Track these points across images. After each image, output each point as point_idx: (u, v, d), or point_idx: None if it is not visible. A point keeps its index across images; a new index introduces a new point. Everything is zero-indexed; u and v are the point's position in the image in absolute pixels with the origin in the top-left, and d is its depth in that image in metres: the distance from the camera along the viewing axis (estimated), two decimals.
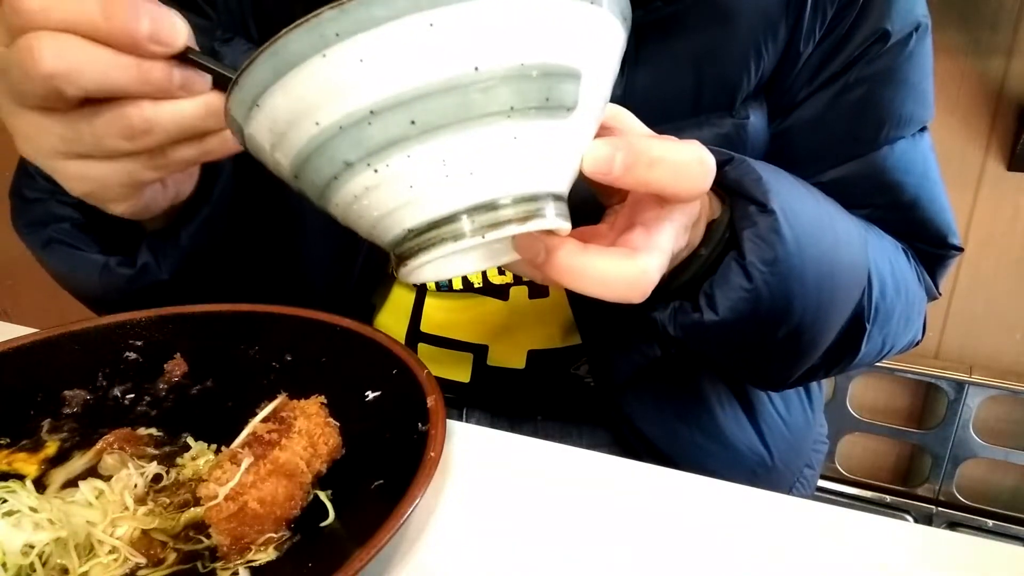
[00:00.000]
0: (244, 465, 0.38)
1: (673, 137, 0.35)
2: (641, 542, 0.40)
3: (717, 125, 0.56)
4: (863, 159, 0.59)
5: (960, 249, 0.64)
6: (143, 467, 0.43)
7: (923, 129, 0.62)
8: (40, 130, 0.37)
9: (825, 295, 0.49)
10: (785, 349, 0.51)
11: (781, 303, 0.46)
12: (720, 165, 0.44)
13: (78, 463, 0.44)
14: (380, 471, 0.41)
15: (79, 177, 0.39)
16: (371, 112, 0.28)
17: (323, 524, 0.39)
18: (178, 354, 0.52)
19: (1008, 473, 1.39)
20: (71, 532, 0.37)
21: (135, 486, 0.42)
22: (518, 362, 0.65)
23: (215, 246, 0.55)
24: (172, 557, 0.38)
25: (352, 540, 0.35)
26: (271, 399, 0.46)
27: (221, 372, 0.51)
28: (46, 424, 0.47)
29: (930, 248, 0.63)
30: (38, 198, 0.52)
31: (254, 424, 0.42)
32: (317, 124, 0.28)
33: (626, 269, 0.34)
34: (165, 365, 0.51)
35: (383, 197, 0.30)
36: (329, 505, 0.40)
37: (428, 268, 0.32)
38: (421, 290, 0.64)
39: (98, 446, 0.45)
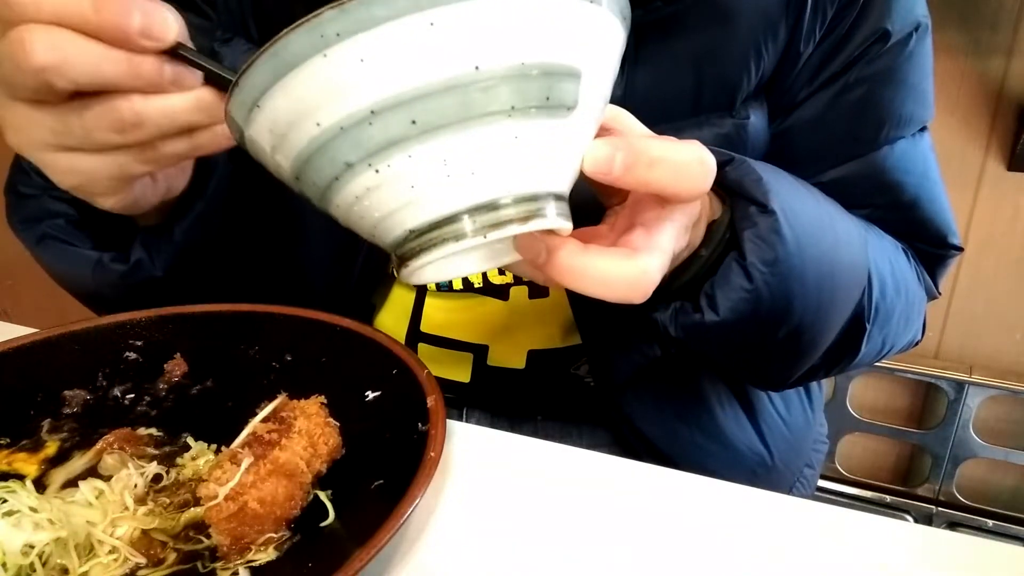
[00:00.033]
0: (244, 465, 0.38)
1: (673, 137, 0.35)
2: (641, 542, 0.40)
3: (717, 125, 0.56)
4: (863, 159, 0.59)
5: (960, 249, 0.64)
6: (143, 467, 0.43)
7: (923, 129, 0.62)
8: (30, 122, 0.37)
9: (825, 295, 0.49)
10: (785, 349, 0.51)
11: (781, 303, 0.46)
12: (720, 165, 0.44)
13: (78, 463, 0.44)
14: (380, 471, 0.41)
15: (68, 170, 0.39)
16: (372, 112, 0.28)
17: (323, 524, 0.39)
18: (178, 354, 0.52)
19: (1008, 473, 1.39)
20: (71, 532, 0.37)
21: (135, 486, 0.42)
22: (518, 362, 0.65)
23: (210, 242, 0.55)
24: (172, 557, 0.38)
25: (352, 540, 0.35)
26: (271, 399, 0.46)
27: (221, 372, 0.51)
28: (46, 424, 0.47)
29: (930, 248, 0.63)
30: (33, 194, 0.52)
31: (254, 424, 0.42)
32: (318, 125, 0.28)
33: (627, 269, 0.34)
34: (165, 365, 0.51)
35: (384, 198, 0.30)
36: (329, 505, 0.40)
37: (430, 269, 0.32)
38: (421, 290, 0.64)
39: (98, 446, 0.45)
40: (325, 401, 0.45)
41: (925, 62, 0.59)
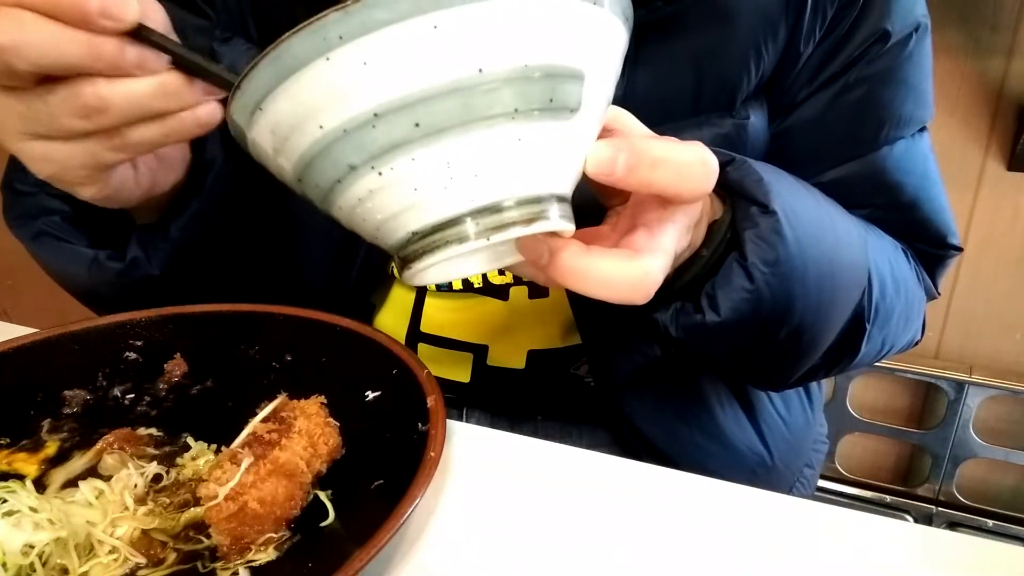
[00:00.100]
0: (244, 465, 0.38)
1: (675, 138, 0.35)
2: (641, 542, 0.40)
3: (717, 125, 0.56)
4: (863, 159, 0.59)
5: (959, 249, 0.64)
6: (143, 467, 0.43)
7: (923, 129, 0.62)
8: (2, 109, 0.37)
9: (826, 295, 0.49)
10: (786, 349, 0.51)
11: (782, 303, 0.46)
12: (721, 166, 0.44)
13: (78, 463, 0.44)
14: (380, 471, 0.41)
15: (42, 158, 0.39)
16: (375, 115, 0.28)
17: (323, 524, 0.39)
18: (178, 354, 0.52)
19: (1008, 473, 1.39)
20: (71, 532, 0.37)
21: (135, 486, 0.42)
22: (518, 362, 0.65)
23: (207, 241, 0.54)
24: (172, 557, 0.38)
25: (352, 540, 0.35)
26: (271, 399, 0.46)
27: (221, 372, 0.51)
28: (46, 424, 0.47)
29: (929, 248, 0.63)
30: (29, 191, 0.52)
31: (254, 424, 0.42)
32: (321, 127, 0.28)
33: (629, 270, 0.34)
34: (165, 365, 0.51)
35: (387, 200, 0.30)
36: (329, 505, 0.40)
37: (432, 271, 0.32)
38: (421, 290, 0.64)
39: (98, 446, 0.45)
40: (325, 401, 0.45)
41: (925, 62, 0.59)
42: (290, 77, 0.27)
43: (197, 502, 0.40)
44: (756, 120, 0.58)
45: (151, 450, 0.45)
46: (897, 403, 1.42)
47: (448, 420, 0.43)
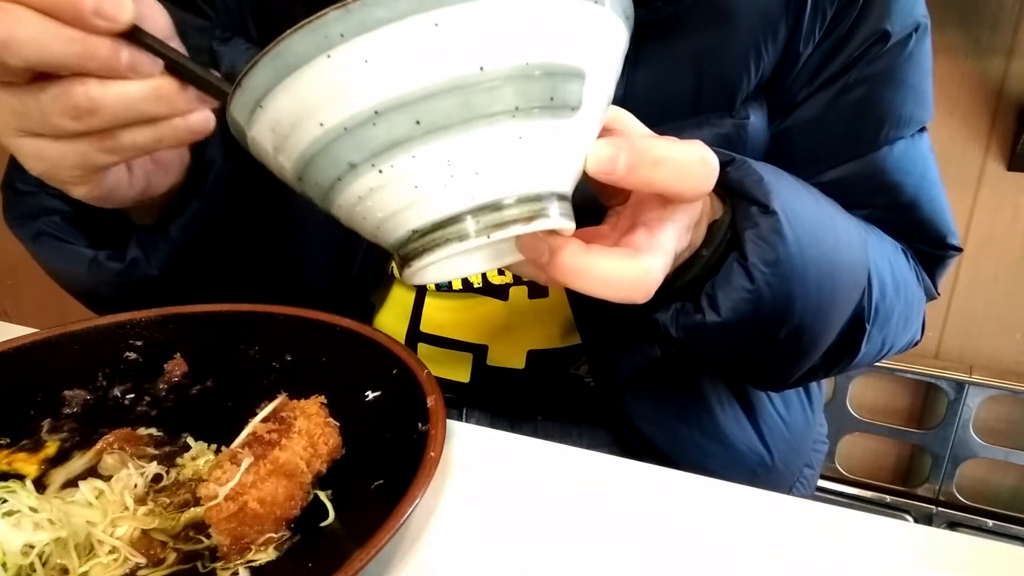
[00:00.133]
0: (244, 465, 0.38)
1: (675, 138, 0.35)
2: (641, 542, 0.40)
3: (717, 125, 0.56)
4: (863, 159, 0.59)
5: (959, 249, 0.65)
6: (143, 467, 0.43)
7: (922, 130, 0.62)
8: None
9: (826, 295, 0.49)
10: (786, 349, 0.51)
11: (782, 304, 0.46)
12: (721, 166, 0.44)
13: (78, 463, 0.44)
14: (380, 471, 0.41)
15: (34, 155, 0.39)
16: (376, 113, 0.28)
17: (323, 524, 0.39)
18: (178, 354, 0.52)
19: (1008, 473, 1.39)
20: (71, 532, 0.37)
21: (135, 486, 0.42)
22: (518, 362, 0.65)
23: (207, 241, 0.54)
24: (172, 557, 0.38)
25: (352, 540, 0.35)
26: (271, 399, 0.46)
27: (221, 372, 0.51)
28: (46, 424, 0.47)
29: (929, 248, 0.63)
30: (29, 191, 0.52)
31: (254, 424, 0.42)
32: (321, 125, 0.28)
33: (630, 269, 0.34)
34: (165, 365, 0.51)
35: (388, 198, 0.30)
36: (329, 505, 0.40)
37: (433, 269, 0.32)
38: (421, 290, 0.64)
39: (98, 446, 0.45)
40: (325, 401, 0.45)
41: (925, 62, 0.59)
42: (291, 75, 0.27)
43: (197, 502, 0.40)
44: (756, 120, 0.58)
45: (151, 450, 0.45)
46: (897, 403, 1.42)
47: (448, 420, 0.43)
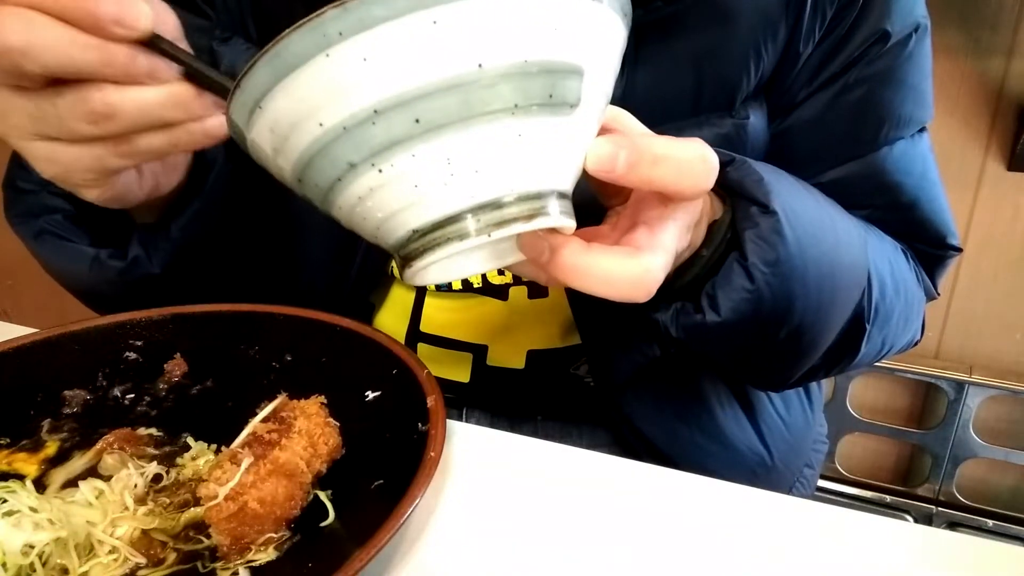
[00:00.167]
0: (244, 465, 0.38)
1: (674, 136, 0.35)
2: (641, 542, 0.40)
3: (717, 125, 0.56)
4: (863, 160, 0.59)
5: (959, 250, 0.65)
6: (143, 467, 0.43)
7: (922, 130, 0.62)
8: (10, 108, 0.37)
9: (826, 295, 0.49)
10: (786, 350, 0.51)
11: (782, 304, 0.46)
12: (721, 166, 0.44)
13: (78, 463, 0.44)
14: (380, 471, 0.41)
15: (47, 159, 0.39)
16: (375, 112, 0.27)
17: (323, 524, 0.39)
18: (178, 354, 0.52)
19: (1008, 473, 1.39)
20: (71, 532, 0.37)
21: (135, 486, 0.42)
22: (518, 362, 0.65)
23: (207, 240, 0.55)
24: (172, 557, 0.38)
25: (352, 540, 0.35)
26: (271, 399, 0.46)
27: (221, 372, 0.51)
28: (46, 424, 0.47)
29: (929, 248, 0.63)
30: (31, 189, 0.52)
31: (254, 424, 0.42)
32: (320, 125, 0.28)
33: (630, 268, 0.34)
34: (165, 365, 0.51)
35: (388, 198, 0.30)
36: (329, 505, 0.40)
37: (433, 269, 0.32)
38: (420, 290, 0.64)
39: (98, 446, 0.45)
40: (325, 401, 0.45)
41: (925, 63, 0.60)
42: (289, 75, 0.27)
43: (197, 502, 0.40)
44: (756, 120, 0.58)
45: (151, 450, 0.45)
46: (897, 403, 1.42)
47: (448, 420, 0.43)
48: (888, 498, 1.44)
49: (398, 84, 0.27)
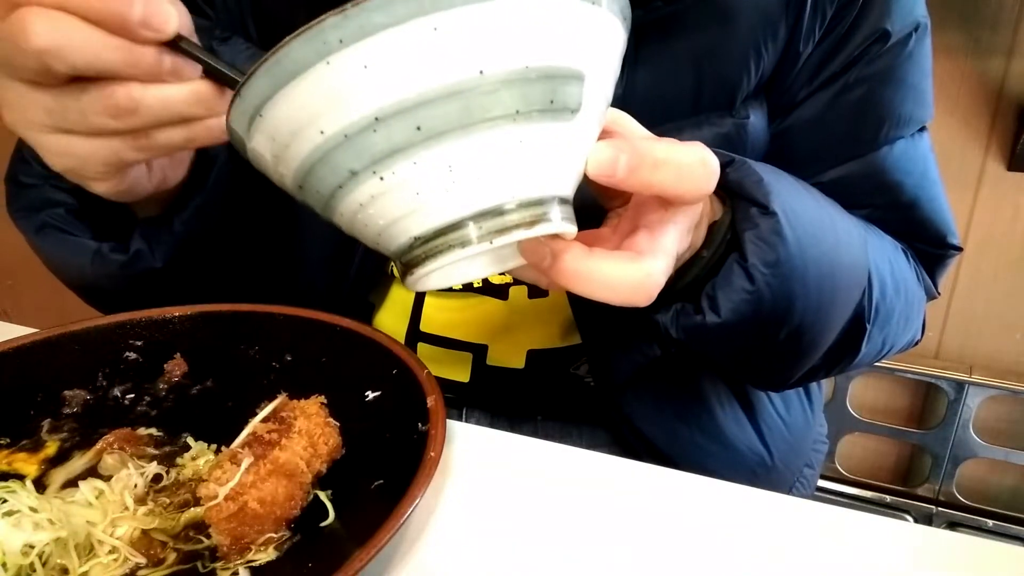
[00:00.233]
0: (244, 465, 0.38)
1: (675, 139, 0.35)
2: (641, 542, 0.40)
3: (717, 125, 0.56)
4: (863, 159, 0.59)
5: (959, 249, 0.65)
6: (143, 467, 0.43)
7: (922, 129, 0.62)
8: (27, 102, 0.37)
9: (826, 296, 0.49)
10: (786, 350, 0.51)
11: (783, 304, 0.46)
12: (721, 167, 0.44)
13: (78, 463, 0.44)
14: (380, 471, 0.41)
15: (62, 152, 0.39)
16: (376, 119, 0.27)
17: (323, 524, 0.39)
18: (178, 354, 0.52)
19: (1008, 473, 1.39)
20: (71, 532, 0.37)
21: (135, 486, 0.42)
22: (518, 362, 0.65)
23: (209, 234, 0.55)
24: (172, 557, 0.38)
25: (352, 540, 0.35)
26: (271, 399, 0.46)
27: (221, 372, 0.51)
28: (46, 424, 0.47)
29: (929, 248, 0.63)
30: (33, 183, 0.52)
31: (254, 424, 0.42)
32: (321, 133, 0.28)
33: (631, 272, 0.34)
34: (165, 365, 0.51)
35: (389, 205, 0.30)
36: (329, 505, 0.40)
37: (435, 276, 0.32)
38: None
39: (98, 446, 0.45)
40: (325, 401, 0.45)
41: (924, 62, 0.60)
42: (290, 82, 0.27)
43: (197, 502, 0.40)
44: (756, 120, 0.58)
45: (151, 450, 0.45)
46: (897, 403, 1.42)
47: (448, 420, 0.43)
48: (888, 498, 1.44)
49: (399, 91, 0.27)
